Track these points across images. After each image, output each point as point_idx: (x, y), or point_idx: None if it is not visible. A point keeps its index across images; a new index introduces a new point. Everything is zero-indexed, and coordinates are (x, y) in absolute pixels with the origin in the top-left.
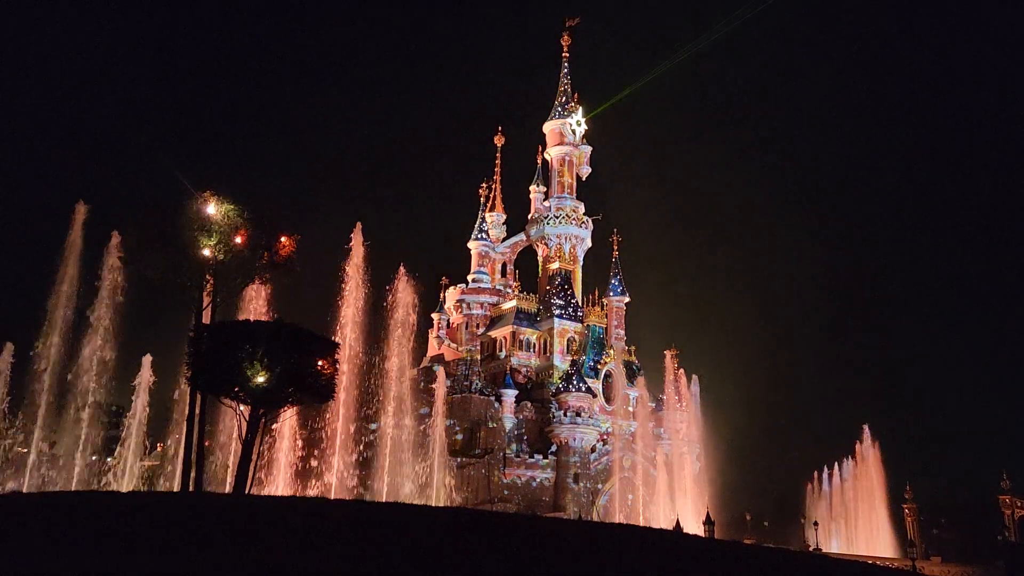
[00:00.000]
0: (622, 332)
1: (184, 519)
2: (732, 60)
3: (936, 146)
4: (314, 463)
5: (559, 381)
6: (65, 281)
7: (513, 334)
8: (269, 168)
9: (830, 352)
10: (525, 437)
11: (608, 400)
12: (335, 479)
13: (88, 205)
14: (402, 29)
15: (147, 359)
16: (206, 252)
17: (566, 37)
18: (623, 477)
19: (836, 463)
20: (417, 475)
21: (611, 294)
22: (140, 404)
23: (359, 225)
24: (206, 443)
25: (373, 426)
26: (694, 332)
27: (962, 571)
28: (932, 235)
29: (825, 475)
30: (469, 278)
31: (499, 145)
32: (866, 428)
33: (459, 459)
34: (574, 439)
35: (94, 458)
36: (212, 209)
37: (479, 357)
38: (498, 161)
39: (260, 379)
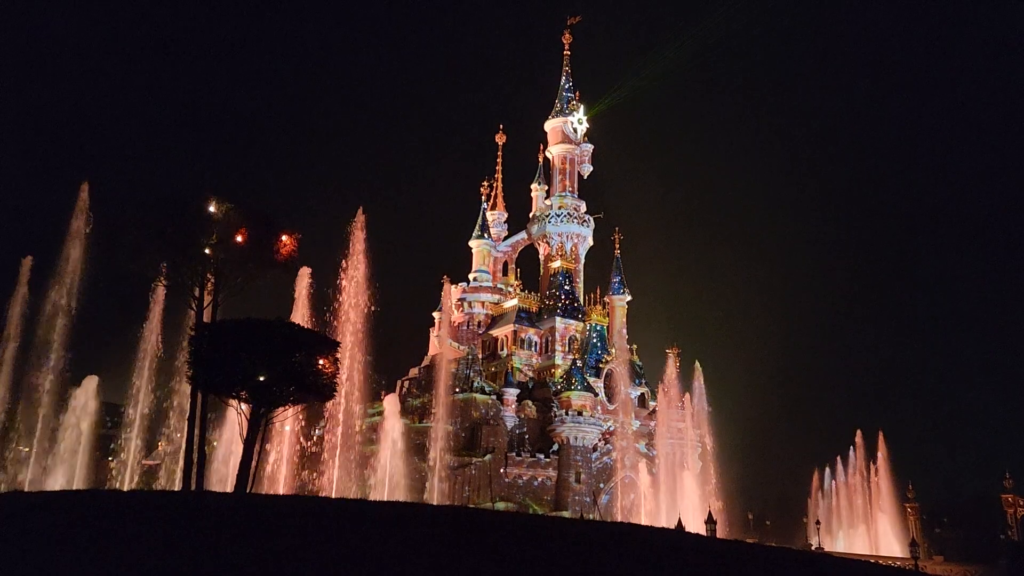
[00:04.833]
0: (624, 331)
1: (185, 518)
2: (734, 58)
3: (940, 145)
4: (315, 463)
5: (561, 380)
6: (66, 277)
7: (514, 333)
8: (270, 167)
9: (833, 351)
10: (527, 436)
11: (610, 399)
12: (336, 478)
13: (90, 184)
14: (404, 27)
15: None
16: (207, 251)
17: (567, 35)
18: (625, 476)
19: (839, 462)
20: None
21: (613, 293)
22: (141, 403)
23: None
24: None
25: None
26: (696, 331)
27: (964, 570)
28: (933, 235)
29: (827, 474)
30: (470, 277)
31: (500, 143)
32: (868, 428)
33: (460, 458)
34: (576, 438)
35: (95, 457)
36: (213, 208)
37: (480, 356)
38: (499, 159)
39: (261, 378)
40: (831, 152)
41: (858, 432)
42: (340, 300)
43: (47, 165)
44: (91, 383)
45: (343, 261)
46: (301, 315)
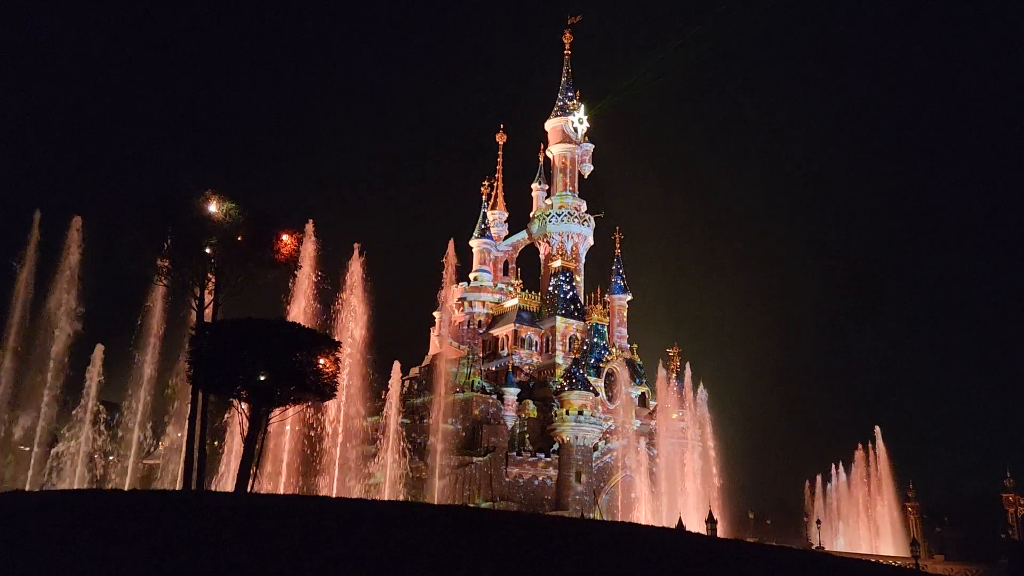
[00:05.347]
0: (624, 331)
1: (185, 518)
2: (734, 58)
3: (942, 144)
4: (315, 461)
5: (561, 379)
6: (65, 279)
7: (515, 332)
8: (271, 166)
9: (834, 351)
10: (527, 436)
11: (610, 398)
12: (336, 477)
13: (82, 215)
14: (404, 26)
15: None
16: (207, 251)
17: (568, 35)
18: (625, 475)
19: (839, 462)
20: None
21: (613, 292)
22: (141, 403)
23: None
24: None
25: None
26: (697, 331)
27: (965, 569)
28: (933, 235)
29: (828, 474)
30: (471, 276)
31: (501, 143)
32: (869, 427)
33: (461, 457)
34: (576, 438)
35: (95, 456)
36: (213, 207)
37: (481, 356)
38: (500, 159)
39: (261, 378)
40: (831, 152)
41: (858, 432)
42: (340, 300)
43: (47, 165)
44: (98, 351)
45: (343, 285)
46: (299, 314)
